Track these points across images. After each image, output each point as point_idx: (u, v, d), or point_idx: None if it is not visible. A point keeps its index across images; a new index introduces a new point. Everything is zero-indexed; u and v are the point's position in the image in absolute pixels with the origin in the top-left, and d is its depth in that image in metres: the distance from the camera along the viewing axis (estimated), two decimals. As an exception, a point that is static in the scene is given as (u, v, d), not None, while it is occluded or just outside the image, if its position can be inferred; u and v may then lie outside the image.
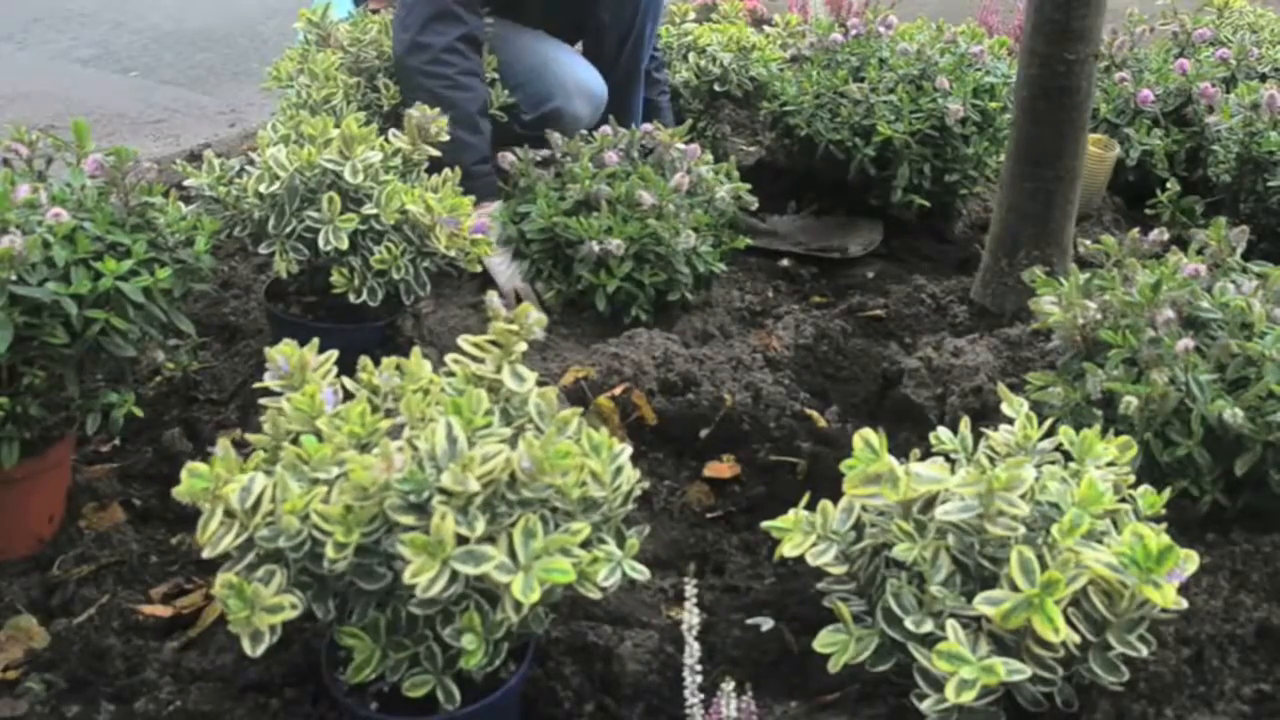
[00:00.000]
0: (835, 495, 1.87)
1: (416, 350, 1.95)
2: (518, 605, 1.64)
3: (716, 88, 4.20)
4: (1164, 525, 1.88)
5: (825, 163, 3.76)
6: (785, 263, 3.68)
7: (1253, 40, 4.46)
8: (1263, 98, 3.75)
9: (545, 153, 3.54)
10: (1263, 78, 4.22)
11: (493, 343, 1.87)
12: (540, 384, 1.92)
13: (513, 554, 1.65)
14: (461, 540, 1.63)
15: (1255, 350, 2.35)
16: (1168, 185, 3.71)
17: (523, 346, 1.87)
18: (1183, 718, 1.99)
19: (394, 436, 1.78)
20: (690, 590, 1.70)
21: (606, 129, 3.53)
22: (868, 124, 3.68)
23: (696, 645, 1.66)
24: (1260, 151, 3.60)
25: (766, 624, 2.19)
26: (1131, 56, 4.35)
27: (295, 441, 1.79)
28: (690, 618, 1.69)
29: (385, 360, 1.96)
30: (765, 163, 4.25)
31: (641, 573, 1.77)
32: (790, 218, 3.92)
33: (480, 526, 1.63)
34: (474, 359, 1.87)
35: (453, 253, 2.75)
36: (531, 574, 1.64)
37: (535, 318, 1.84)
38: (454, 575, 1.62)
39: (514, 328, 1.84)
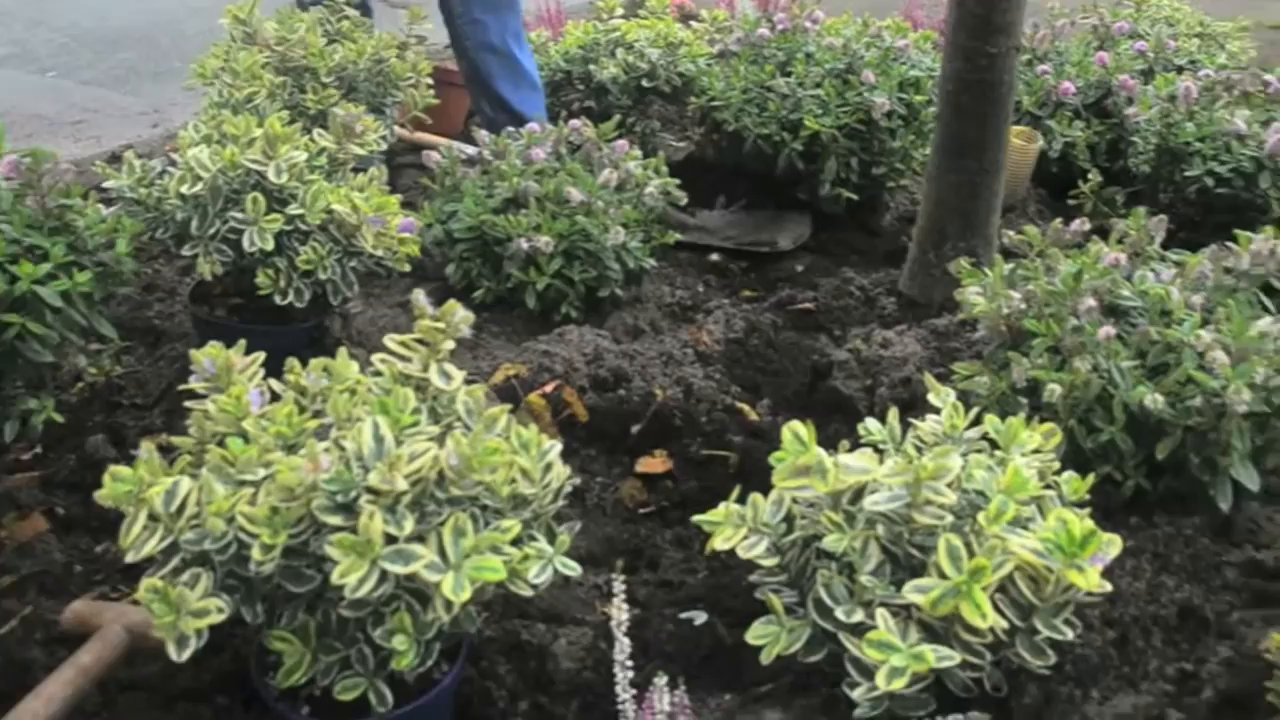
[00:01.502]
0: (767, 488, 1.88)
1: (343, 350, 1.93)
2: (448, 604, 1.63)
3: (645, 83, 4.21)
4: (1088, 510, 1.90)
5: (753, 157, 3.77)
6: (715, 257, 3.69)
7: (1169, 33, 4.54)
8: (1179, 89, 3.82)
9: (472, 150, 3.52)
10: (1179, 70, 4.30)
11: (420, 341, 1.86)
12: (470, 382, 1.91)
13: (443, 553, 1.64)
14: (390, 540, 1.62)
15: (1174, 337, 2.40)
16: (1089, 176, 3.77)
17: (450, 345, 1.85)
18: (1108, 698, 2.02)
19: (321, 437, 1.76)
20: (619, 586, 1.70)
21: (534, 126, 3.53)
22: (795, 118, 3.70)
23: (627, 641, 1.66)
24: (1177, 142, 3.67)
25: (700, 618, 2.20)
26: (1053, 49, 4.41)
27: (221, 444, 1.77)
28: (619, 614, 1.69)
29: (312, 361, 1.94)
30: (694, 158, 4.26)
31: (573, 569, 1.77)
32: (720, 212, 3.94)
33: (409, 525, 1.61)
34: (401, 358, 1.86)
35: (380, 252, 2.73)
36: (462, 572, 1.63)
37: (461, 315, 1.83)
38: (383, 575, 1.60)
39: (440, 326, 1.83)
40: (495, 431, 1.81)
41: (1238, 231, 2.68)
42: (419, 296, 1.86)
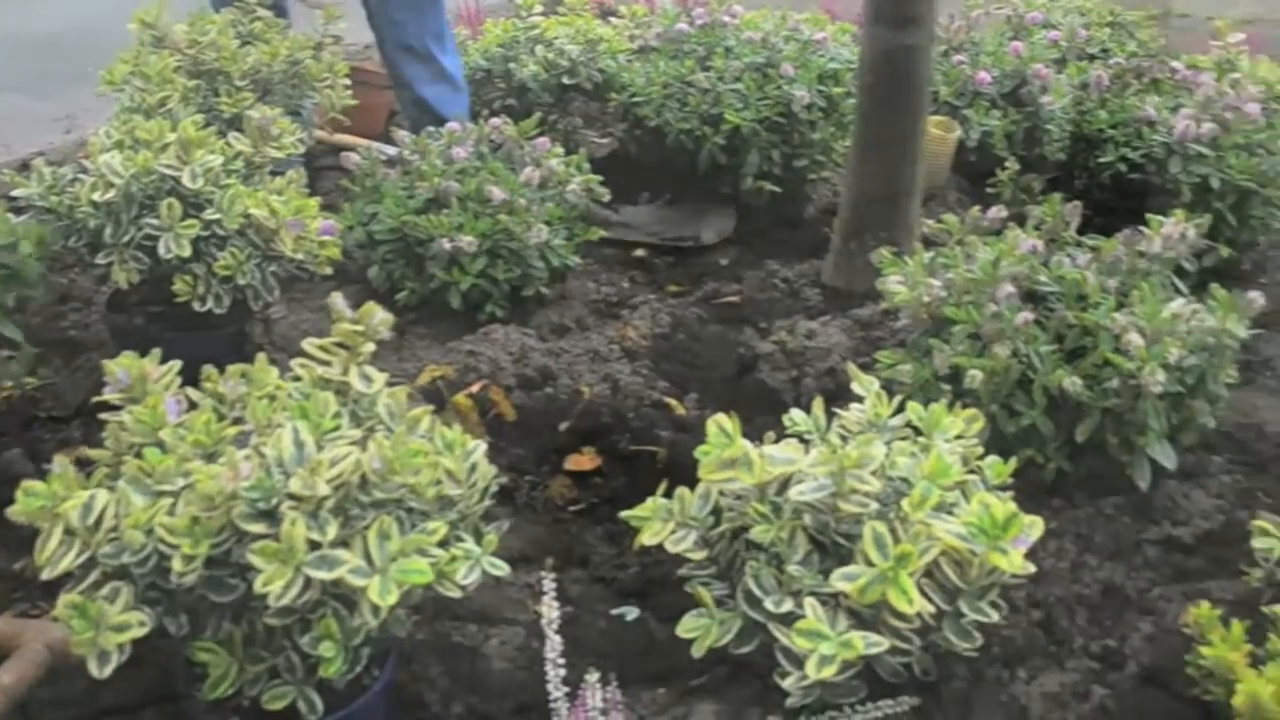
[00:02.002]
0: (696, 482, 1.89)
1: (262, 356, 1.91)
2: (376, 609, 1.62)
3: (566, 81, 4.20)
4: (1011, 493, 1.93)
5: (675, 152, 3.78)
6: (640, 253, 3.69)
7: (1081, 22, 4.61)
8: (1091, 78, 3.88)
9: (392, 151, 3.49)
10: (1091, 58, 4.37)
11: (339, 345, 1.84)
12: (395, 384, 1.89)
13: (368, 557, 1.62)
14: (314, 546, 1.60)
15: (1091, 321, 2.44)
16: (1006, 164, 3.82)
17: (370, 347, 1.84)
18: (1035, 676, 2.06)
19: (241, 445, 1.74)
20: (548, 584, 1.70)
21: (454, 125, 3.51)
22: (715, 112, 3.71)
23: (558, 639, 1.66)
24: (1091, 129, 3.73)
25: (632, 613, 2.20)
26: (968, 40, 4.46)
27: (138, 455, 1.74)
28: (550, 612, 1.69)
29: (231, 368, 1.91)
30: (617, 154, 4.26)
31: (502, 569, 1.76)
32: (643, 208, 3.94)
33: (332, 530, 1.60)
34: (320, 362, 1.84)
35: (300, 255, 2.70)
36: (388, 576, 1.62)
37: (380, 318, 1.82)
38: (308, 582, 1.59)
39: (360, 329, 1.82)
40: (418, 433, 1.80)
41: (1150, 216, 2.73)
42: (337, 300, 1.85)
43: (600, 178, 3.45)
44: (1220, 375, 2.50)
